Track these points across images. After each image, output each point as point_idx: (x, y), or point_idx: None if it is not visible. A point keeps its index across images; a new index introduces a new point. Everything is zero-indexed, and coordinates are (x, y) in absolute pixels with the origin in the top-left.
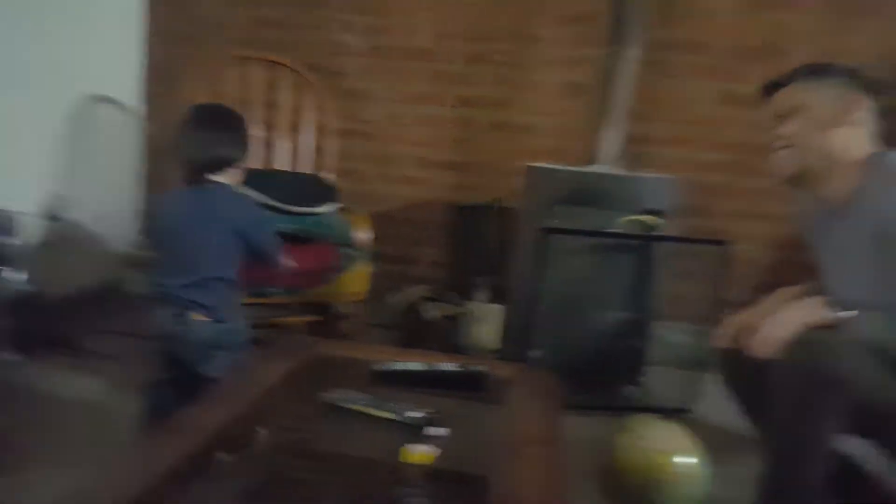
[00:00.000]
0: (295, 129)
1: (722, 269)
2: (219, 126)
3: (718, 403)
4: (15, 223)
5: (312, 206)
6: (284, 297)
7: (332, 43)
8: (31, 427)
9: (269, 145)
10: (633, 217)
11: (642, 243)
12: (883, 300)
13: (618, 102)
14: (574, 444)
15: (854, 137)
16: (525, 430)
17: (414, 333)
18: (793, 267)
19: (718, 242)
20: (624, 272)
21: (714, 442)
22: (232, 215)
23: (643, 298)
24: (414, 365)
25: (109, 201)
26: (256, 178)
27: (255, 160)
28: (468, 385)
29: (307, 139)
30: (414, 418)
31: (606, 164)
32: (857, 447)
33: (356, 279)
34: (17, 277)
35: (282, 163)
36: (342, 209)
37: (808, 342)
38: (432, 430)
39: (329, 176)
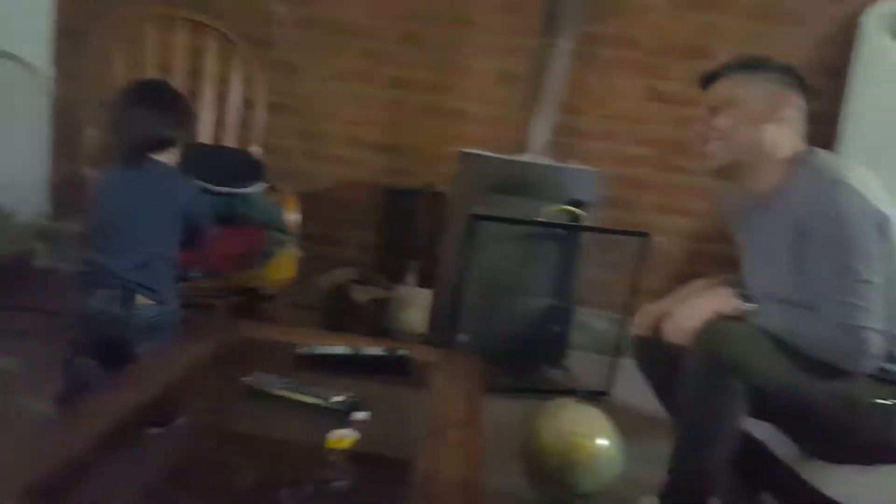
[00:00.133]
0: (221, 99)
1: (642, 259)
2: (161, 105)
3: (635, 387)
4: None
5: (240, 186)
6: (207, 281)
7: (261, 11)
8: None
9: None
10: (560, 207)
11: (567, 232)
12: (792, 294)
13: (549, 94)
14: (497, 426)
15: (783, 134)
16: (447, 413)
17: (341, 316)
18: (707, 259)
19: (639, 234)
20: (549, 260)
21: (630, 424)
22: (175, 197)
23: (567, 285)
24: (338, 349)
25: (16, 169)
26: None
27: None
28: (392, 369)
29: (233, 111)
30: (336, 402)
31: (536, 153)
32: (761, 430)
33: (284, 264)
34: None
35: (205, 135)
36: (270, 188)
37: (713, 330)
38: (355, 415)
39: (257, 151)
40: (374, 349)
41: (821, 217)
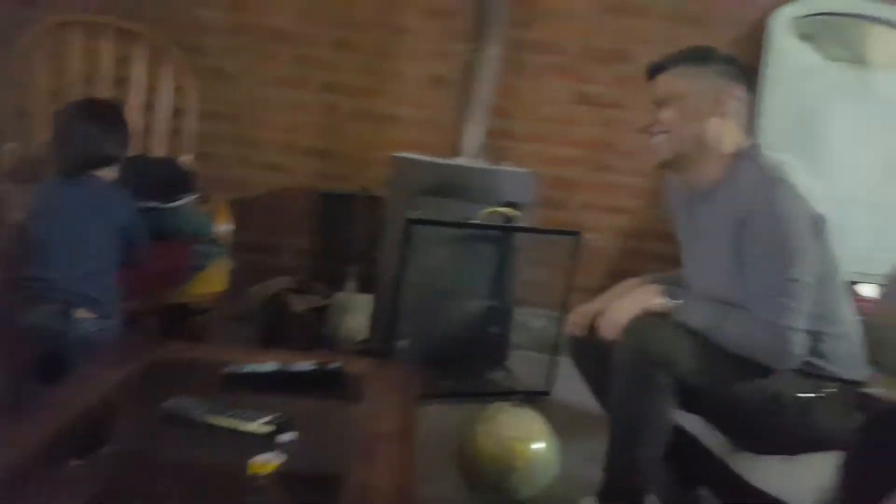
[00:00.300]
0: (149, 108)
1: (575, 258)
2: (107, 122)
3: (576, 385)
4: None
5: (168, 200)
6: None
7: (191, 18)
8: None
9: None
10: (494, 209)
11: (502, 234)
12: (729, 287)
13: (480, 98)
14: (436, 434)
15: (726, 128)
16: (378, 426)
17: (277, 328)
18: (641, 255)
19: (571, 233)
20: (486, 262)
21: (571, 422)
22: (115, 213)
23: (504, 287)
24: (266, 366)
25: None
26: None
27: None
28: (324, 384)
29: (163, 120)
30: (261, 425)
31: (470, 157)
32: (692, 423)
33: (214, 277)
34: None
35: (134, 146)
36: (200, 199)
37: (640, 326)
38: (281, 436)
39: (186, 161)
40: (305, 364)
41: (760, 214)
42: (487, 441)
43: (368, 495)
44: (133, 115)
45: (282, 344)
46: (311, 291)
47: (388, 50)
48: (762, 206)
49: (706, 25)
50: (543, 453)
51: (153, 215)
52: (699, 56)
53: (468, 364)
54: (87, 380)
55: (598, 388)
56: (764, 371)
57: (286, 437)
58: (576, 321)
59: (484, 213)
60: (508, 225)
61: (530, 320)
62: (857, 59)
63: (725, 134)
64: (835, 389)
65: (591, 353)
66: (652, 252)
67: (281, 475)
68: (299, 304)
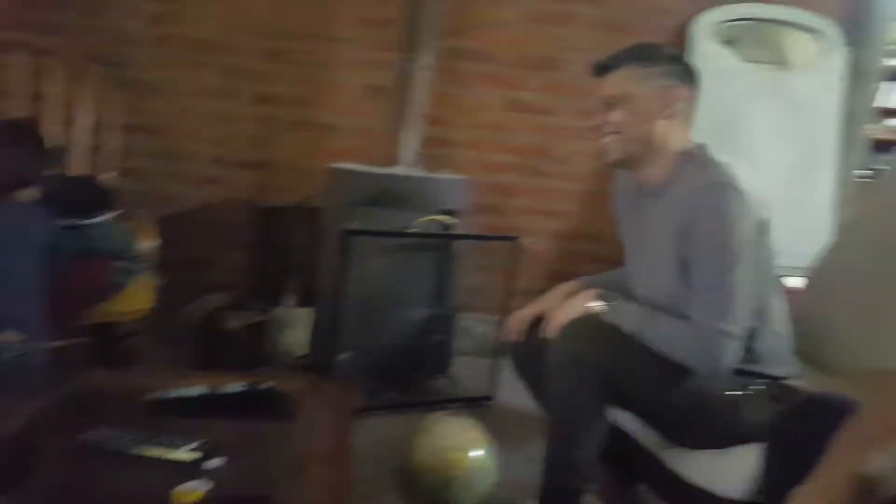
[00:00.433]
0: (68, 124)
1: (514, 262)
2: (19, 143)
3: (518, 388)
4: None
5: (85, 217)
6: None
7: (115, 30)
8: None
9: None
10: (432, 217)
11: (441, 241)
12: (670, 286)
13: (415, 106)
14: (378, 448)
15: (673, 129)
16: (312, 445)
17: (213, 347)
18: (578, 257)
19: (509, 238)
20: (426, 270)
21: (515, 426)
22: (38, 233)
23: (446, 294)
24: (193, 389)
25: None
26: None
27: None
28: (255, 404)
29: (82, 136)
30: (186, 452)
31: (406, 165)
32: (628, 421)
33: (137, 295)
34: None
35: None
36: (122, 215)
37: (576, 329)
38: (208, 463)
39: (107, 177)
40: (235, 385)
41: (706, 216)
42: (424, 453)
43: None
44: (51, 132)
45: (218, 364)
46: (247, 308)
47: (323, 60)
48: (709, 209)
49: (631, 32)
50: (481, 461)
51: (71, 233)
52: (646, 55)
53: (411, 373)
54: (6, 410)
55: (538, 391)
56: (688, 372)
57: (213, 462)
58: (513, 326)
59: (422, 222)
60: (446, 233)
61: (474, 326)
62: (779, 61)
63: (672, 134)
64: (763, 387)
65: (530, 356)
66: (587, 253)
67: (208, 503)
68: (235, 321)
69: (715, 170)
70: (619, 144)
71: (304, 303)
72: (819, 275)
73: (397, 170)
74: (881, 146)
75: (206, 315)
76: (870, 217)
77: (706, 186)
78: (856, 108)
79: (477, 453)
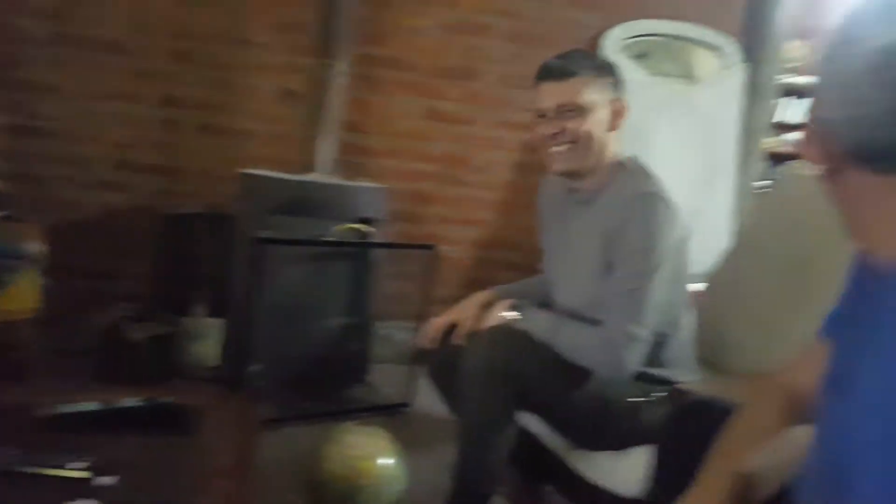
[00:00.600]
0: None
1: (431, 270)
2: None
3: (434, 395)
4: None
5: None
6: None
7: (7, 27)
8: None
9: None
10: (349, 225)
11: (358, 250)
12: (591, 291)
13: (331, 113)
14: (288, 458)
15: (616, 139)
16: (213, 461)
17: (116, 360)
18: (495, 265)
19: (426, 247)
20: (343, 278)
21: (431, 432)
22: None
23: (363, 302)
24: (87, 405)
25: None
26: None
27: None
28: (154, 420)
29: None
30: (75, 469)
31: (322, 173)
32: (535, 425)
33: (21, 295)
34: None
35: None
36: (6, 217)
37: (488, 338)
38: (98, 480)
39: None
40: (132, 400)
41: (634, 226)
42: (333, 463)
43: None
44: None
45: (121, 377)
46: (153, 319)
47: (234, 63)
48: (638, 217)
49: (545, 45)
50: (390, 469)
51: None
52: (601, 65)
53: (328, 383)
54: None
55: (451, 397)
56: (595, 379)
57: (104, 480)
58: (427, 333)
59: (338, 230)
60: (362, 241)
61: (392, 333)
62: (686, 76)
63: (614, 145)
64: (664, 393)
65: (443, 364)
66: (504, 261)
67: None
68: (140, 332)
69: (647, 180)
70: (574, 154)
71: (214, 313)
72: (716, 281)
73: (313, 177)
74: (777, 159)
75: (108, 326)
76: (762, 227)
77: (638, 195)
78: (754, 122)
79: (386, 461)
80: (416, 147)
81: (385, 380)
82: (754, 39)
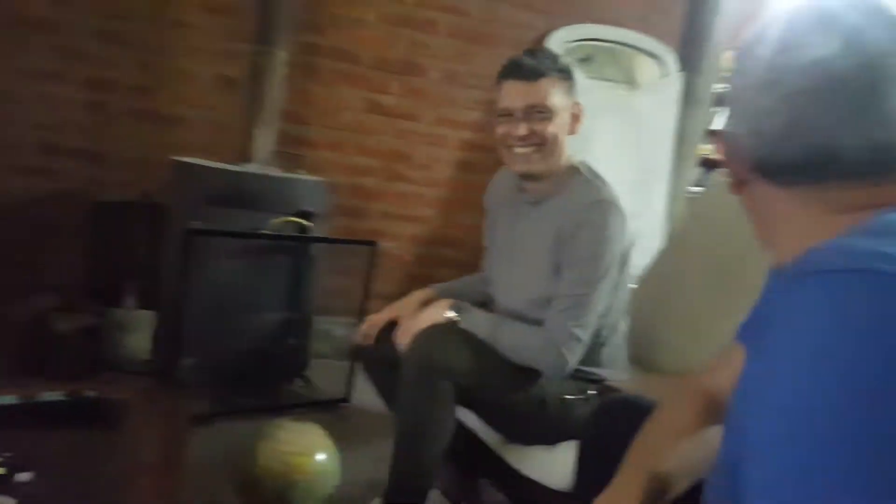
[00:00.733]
0: None
1: (372, 266)
2: None
3: (372, 391)
4: None
5: None
6: None
7: None
8: None
9: None
10: (287, 218)
11: (298, 244)
12: (537, 290)
13: (270, 102)
14: (222, 454)
15: (573, 143)
16: (139, 457)
17: (40, 352)
18: (436, 262)
19: (367, 243)
20: (281, 272)
21: (370, 427)
22: None
23: (302, 297)
24: (5, 399)
25: None
26: None
27: None
28: (78, 415)
29: None
30: None
31: (261, 163)
32: (471, 419)
33: None
34: None
35: None
36: None
37: (427, 337)
38: (15, 478)
39: None
40: (53, 394)
41: (586, 229)
42: (267, 458)
43: None
44: None
45: (46, 370)
46: (81, 310)
47: (166, 46)
48: (592, 223)
49: (490, 44)
50: (324, 464)
51: None
52: (565, 67)
53: (266, 378)
54: None
55: (387, 393)
56: (533, 377)
57: (21, 477)
58: (364, 331)
59: (276, 223)
60: (299, 235)
61: (332, 328)
62: (628, 81)
63: (571, 149)
64: (595, 392)
65: (380, 360)
66: (445, 258)
67: None
68: (66, 324)
69: (603, 187)
70: (539, 156)
71: (145, 305)
72: (647, 282)
73: (250, 168)
74: (710, 165)
75: (33, 317)
76: (693, 231)
77: (594, 202)
78: (689, 128)
79: (320, 456)
80: (357, 141)
81: (324, 375)
82: (692, 48)
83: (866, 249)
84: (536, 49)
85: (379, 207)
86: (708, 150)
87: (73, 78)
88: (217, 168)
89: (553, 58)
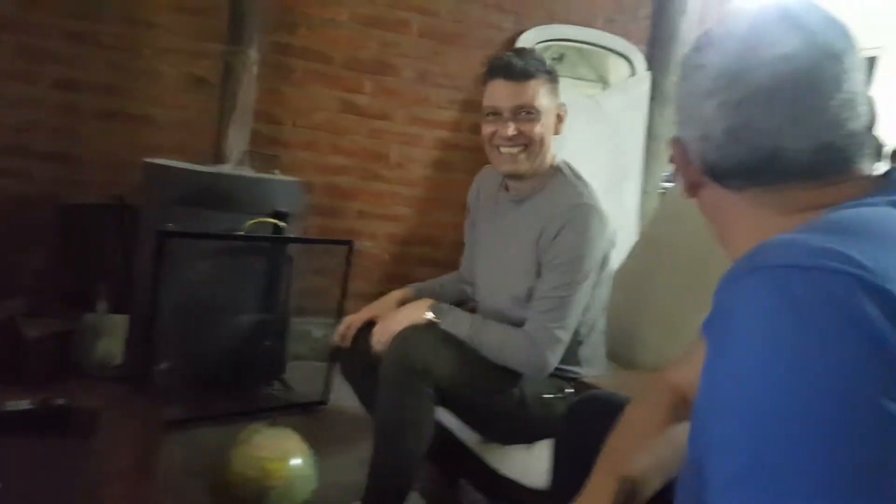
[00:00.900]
0: None
1: (349, 266)
2: None
3: (351, 393)
4: None
5: None
6: None
7: None
8: None
9: None
10: (262, 219)
11: (273, 245)
12: (518, 289)
13: (242, 102)
14: (197, 460)
15: (556, 144)
16: (110, 465)
17: (10, 359)
18: (413, 260)
19: (343, 242)
20: (257, 274)
21: (349, 429)
22: None
23: (278, 298)
24: None
25: None
26: None
27: None
28: (47, 423)
29: None
30: None
31: (233, 164)
32: (449, 420)
33: None
34: None
35: None
36: None
37: (404, 338)
38: None
39: None
40: (20, 403)
41: (568, 232)
42: (242, 464)
43: None
44: None
45: (15, 378)
46: (51, 315)
47: (136, 46)
48: (574, 226)
49: (461, 45)
50: (300, 469)
51: None
52: (551, 69)
53: (242, 381)
54: None
55: (365, 395)
56: (513, 377)
57: None
58: (341, 332)
59: (250, 225)
60: (274, 236)
61: (310, 330)
62: (601, 80)
63: (554, 149)
64: (573, 390)
65: (358, 361)
66: (423, 257)
67: None
68: (36, 329)
69: (585, 189)
70: (525, 157)
71: (118, 309)
72: (622, 279)
73: (223, 168)
74: None
75: (0, 323)
76: (665, 227)
77: (575, 206)
78: (658, 127)
79: (296, 461)
80: (332, 140)
81: (302, 377)
82: (659, 48)
83: (814, 246)
84: (524, 49)
85: (355, 207)
86: None
87: (41, 79)
88: (189, 169)
89: (540, 59)
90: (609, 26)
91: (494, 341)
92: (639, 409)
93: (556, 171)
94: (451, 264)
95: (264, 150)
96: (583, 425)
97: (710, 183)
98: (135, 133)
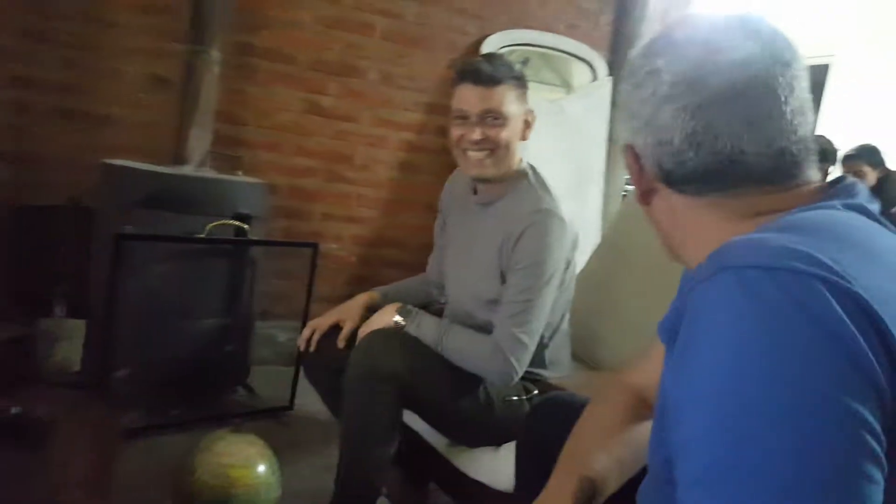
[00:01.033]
0: None
1: (314, 268)
2: None
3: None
4: None
5: None
6: None
7: None
8: None
9: None
10: (224, 221)
11: (236, 248)
12: (485, 293)
13: (204, 102)
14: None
15: (522, 148)
16: (65, 475)
17: None
18: (379, 262)
19: (308, 245)
20: (220, 277)
21: (315, 434)
22: None
23: (242, 301)
24: None
25: None
26: None
27: None
28: (3, 432)
29: None
30: None
31: (194, 165)
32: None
33: None
34: None
35: None
36: None
37: (372, 342)
38: None
39: None
40: None
41: (529, 238)
42: (204, 472)
43: None
44: None
45: None
46: (5, 319)
47: (95, 44)
48: (534, 232)
49: (425, 48)
50: (263, 477)
51: None
52: (519, 75)
53: (204, 387)
54: None
55: (331, 399)
56: (478, 380)
57: None
58: (306, 336)
59: (212, 227)
60: (236, 238)
61: (276, 334)
62: (564, 85)
63: (519, 153)
64: (538, 392)
65: (324, 366)
66: (388, 259)
67: None
68: None
69: (546, 195)
70: (491, 161)
71: (75, 314)
72: (585, 281)
73: (184, 170)
74: None
75: None
76: (626, 230)
77: (535, 211)
78: (620, 132)
79: (260, 468)
80: (296, 142)
81: (267, 382)
82: (620, 54)
83: (779, 246)
84: (493, 55)
85: (319, 209)
86: None
87: None
88: (149, 170)
89: (509, 65)
90: (571, 32)
91: (459, 347)
92: (598, 409)
93: (522, 175)
94: (418, 266)
95: (227, 151)
96: (544, 427)
97: (664, 189)
98: (93, 133)
